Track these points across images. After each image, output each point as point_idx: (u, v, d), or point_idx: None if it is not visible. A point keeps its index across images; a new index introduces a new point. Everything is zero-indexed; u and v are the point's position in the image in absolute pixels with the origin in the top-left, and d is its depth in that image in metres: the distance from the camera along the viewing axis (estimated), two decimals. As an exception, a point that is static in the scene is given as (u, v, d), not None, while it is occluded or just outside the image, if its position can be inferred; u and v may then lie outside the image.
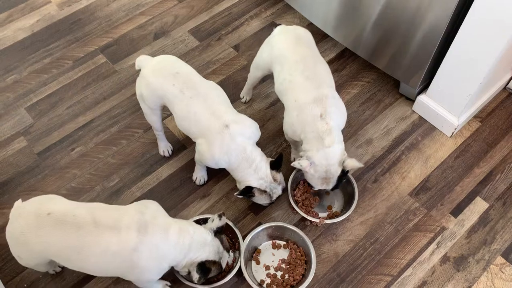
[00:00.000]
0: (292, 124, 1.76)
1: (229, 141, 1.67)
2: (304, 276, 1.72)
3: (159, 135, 2.02)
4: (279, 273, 1.76)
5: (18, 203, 1.51)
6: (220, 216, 1.62)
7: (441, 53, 1.96)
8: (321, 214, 1.89)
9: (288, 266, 1.77)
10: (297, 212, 1.86)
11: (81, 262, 1.47)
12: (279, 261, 1.79)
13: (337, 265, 1.81)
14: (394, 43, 2.06)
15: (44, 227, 1.44)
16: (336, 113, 1.73)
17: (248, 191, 1.73)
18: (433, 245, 1.86)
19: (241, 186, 1.76)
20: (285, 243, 1.83)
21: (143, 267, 1.48)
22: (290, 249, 1.80)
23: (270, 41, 1.91)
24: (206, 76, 2.33)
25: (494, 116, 2.23)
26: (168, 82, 1.72)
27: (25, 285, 1.74)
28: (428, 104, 2.14)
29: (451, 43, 1.87)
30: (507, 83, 2.27)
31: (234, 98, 2.28)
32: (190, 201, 1.97)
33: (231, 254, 1.72)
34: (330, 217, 1.88)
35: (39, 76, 2.35)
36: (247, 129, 1.73)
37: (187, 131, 1.78)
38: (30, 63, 2.40)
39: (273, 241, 1.84)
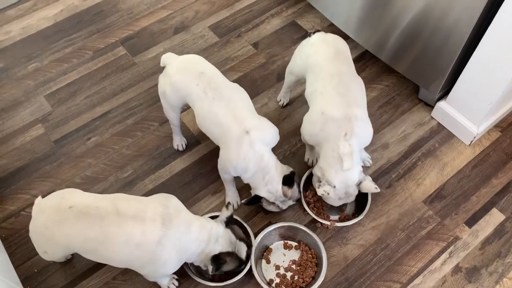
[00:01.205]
0: (314, 135, 1.73)
1: (248, 147, 1.64)
2: (314, 279, 1.71)
3: (175, 130, 2.02)
4: (289, 274, 1.75)
5: (38, 200, 1.53)
6: (227, 206, 1.62)
7: (463, 60, 1.92)
8: (332, 217, 1.88)
9: (298, 268, 1.75)
10: (308, 213, 1.84)
11: (105, 253, 1.48)
12: (289, 262, 1.78)
13: (345, 269, 1.79)
14: (416, 47, 2.03)
15: (67, 220, 1.45)
16: (361, 136, 1.70)
17: (257, 200, 1.73)
18: (445, 255, 1.83)
19: (253, 193, 1.75)
20: (297, 244, 1.81)
21: (164, 260, 1.49)
22: (302, 250, 1.78)
23: (307, 48, 1.86)
24: (224, 73, 2.33)
25: (515, 127, 2.18)
26: (192, 82, 1.71)
27: (35, 270, 1.77)
28: (448, 111, 2.10)
29: (474, 49, 1.83)
30: (531, 93, 2.22)
31: (251, 96, 2.23)
32: (202, 196, 1.97)
33: (252, 242, 1.73)
34: (341, 220, 1.86)
35: (60, 65, 2.38)
36: (267, 135, 1.70)
37: (206, 131, 1.77)
38: (52, 52, 2.43)
39: (285, 241, 1.82)
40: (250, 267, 1.70)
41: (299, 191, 1.84)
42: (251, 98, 2.25)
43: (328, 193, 1.69)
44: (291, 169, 1.76)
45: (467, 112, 2.04)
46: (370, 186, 1.70)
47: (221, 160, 1.74)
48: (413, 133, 2.15)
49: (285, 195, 1.72)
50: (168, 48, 2.44)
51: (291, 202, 1.78)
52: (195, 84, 1.71)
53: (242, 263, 1.65)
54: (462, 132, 2.09)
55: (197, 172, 2.03)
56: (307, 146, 2.01)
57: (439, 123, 2.18)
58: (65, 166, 2.04)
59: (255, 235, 1.77)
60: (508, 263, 1.81)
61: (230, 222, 1.63)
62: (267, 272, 1.76)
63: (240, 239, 1.64)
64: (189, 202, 1.95)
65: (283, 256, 1.80)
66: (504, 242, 1.86)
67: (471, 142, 2.09)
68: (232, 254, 1.59)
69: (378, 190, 1.71)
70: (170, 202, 1.55)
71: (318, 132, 1.71)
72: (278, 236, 1.82)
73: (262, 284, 1.66)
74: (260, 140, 1.67)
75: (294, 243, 1.82)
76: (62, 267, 1.77)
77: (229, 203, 1.66)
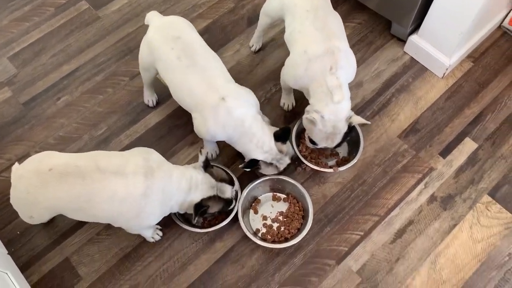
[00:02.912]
0: (300, 78, 1.70)
1: (225, 114, 1.61)
2: (299, 230, 1.74)
3: (146, 85, 1.97)
4: (275, 225, 1.78)
5: (15, 167, 1.51)
6: (200, 152, 1.62)
7: (433, -10, 1.89)
8: (330, 163, 1.88)
9: (285, 219, 1.78)
10: (306, 167, 1.85)
11: (91, 211, 1.48)
12: (277, 213, 1.80)
13: (324, 206, 1.83)
14: (385, -20, 1.98)
15: (49, 182, 1.44)
16: (347, 67, 1.68)
17: (254, 164, 1.69)
18: (420, 186, 1.88)
19: (246, 159, 1.72)
20: (285, 196, 1.83)
21: (149, 212, 1.51)
22: (290, 203, 1.81)
23: None
24: (193, 20, 2.26)
25: (487, 56, 2.18)
26: (167, 45, 1.65)
27: (18, 232, 1.77)
28: (420, 44, 2.09)
29: (443, -22, 1.80)
30: (502, 21, 2.21)
31: (222, 43, 2.23)
32: (179, 148, 1.96)
33: (236, 185, 1.75)
34: (340, 163, 1.87)
35: (20, 24, 2.28)
36: (245, 101, 1.66)
37: (180, 102, 1.72)
38: (10, 11, 2.32)
39: (274, 193, 1.84)
40: (237, 213, 1.72)
41: (292, 147, 1.81)
42: (222, 45, 2.22)
43: (314, 121, 1.64)
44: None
45: (439, 44, 2.03)
46: (360, 119, 1.69)
47: (198, 129, 1.70)
48: (387, 70, 2.15)
49: (280, 151, 1.69)
50: (132, -2, 2.35)
51: (288, 160, 1.74)
52: (170, 48, 1.64)
53: (229, 203, 1.66)
54: (435, 64, 2.09)
55: (172, 124, 2.02)
56: (283, 90, 1.99)
57: (412, 57, 2.17)
58: (37, 128, 2.00)
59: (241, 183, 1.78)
60: (481, 188, 1.87)
61: (207, 167, 1.63)
62: (254, 222, 1.79)
63: (222, 180, 1.65)
64: (167, 155, 1.94)
65: (271, 208, 1.82)
66: (477, 170, 1.91)
67: (444, 74, 2.10)
68: (214, 198, 1.61)
69: (369, 122, 1.71)
70: (151, 155, 1.55)
71: (303, 73, 1.68)
72: (268, 188, 1.83)
73: (248, 234, 1.69)
74: (239, 105, 1.62)
75: (282, 196, 1.84)
76: (45, 228, 1.78)
77: (202, 147, 1.64)
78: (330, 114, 1.64)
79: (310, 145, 1.80)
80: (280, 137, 1.68)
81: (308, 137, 1.77)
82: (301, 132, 1.89)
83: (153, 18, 1.76)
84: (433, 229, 1.79)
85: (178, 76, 1.65)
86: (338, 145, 1.73)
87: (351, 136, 1.79)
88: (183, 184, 1.55)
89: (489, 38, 2.22)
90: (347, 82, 1.69)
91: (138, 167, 1.48)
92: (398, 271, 1.72)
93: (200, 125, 1.67)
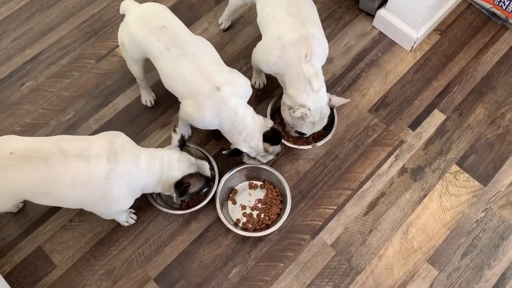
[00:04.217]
0: (273, 64, 1.68)
1: (220, 104, 1.58)
2: (279, 215, 1.75)
3: (141, 84, 1.91)
4: (255, 213, 1.78)
5: None
6: (174, 130, 1.60)
7: (399, -37, 1.89)
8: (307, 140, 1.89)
9: (264, 206, 1.78)
10: (284, 146, 1.84)
11: (55, 194, 1.46)
12: (255, 201, 1.80)
13: (298, 183, 1.85)
14: (352, -46, 1.97)
15: (11, 166, 1.40)
16: (321, 54, 1.67)
17: (238, 153, 1.69)
18: (391, 158, 1.91)
19: (232, 146, 1.71)
20: (261, 183, 1.83)
21: (117, 195, 1.48)
22: (267, 189, 1.81)
23: None
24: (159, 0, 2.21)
25: (453, 28, 2.21)
26: (153, 37, 1.59)
27: (-13, 223, 1.74)
28: (388, 18, 2.10)
29: (408, -50, 1.80)
30: (467, -7, 2.24)
31: (190, 22, 2.19)
32: (150, 131, 1.94)
33: (214, 164, 1.76)
34: (316, 139, 1.87)
35: (-23, 7, 2.19)
36: (240, 90, 1.63)
37: (173, 91, 1.67)
38: (-35, -6, 2.22)
39: (250, 181, 1.83)
40: (214, 194, 1.72)
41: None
42: (190, 24, 2.18)
43: (305, 116, 1.64)
44: (270, 122, 1.71)
45: (406, 17, 2.05)
46: (340, 99, 1.71)
47: (192, 117, 1.65)
48: (356, 45, 2.15)
49: (266, 150, 1.70)
50: (95, -22, 2.27)
51: (271, 157, 1.76)
52: (157, 40, 1.58)
53: (208, 181, 1.65)
54: (403, 38, 2.11)
55: (142, 107, 1.98)
56: (254, 70, 1.97)
57: (380, 32, 2.18)
58: (1, 116, 1.94)
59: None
60: (450, 159, 1.92)
61: (183, 145, 1.61)
62: (234, 212, 1.78)
63: (200, 158, 1.64)
64: (138, 138, 1.92)
65: (249, 196, 1.82)
66: (446, 141, 1.96)
67: (412, 47, 2.12)
68: (196, 175, 1.59)
69: (348, 100, 1.75)
70: (117, 138, 1.52)
71: (276, 59, 1.66)
72: (244, 177, 1.82)
73: (228, 225, 1.69)
74: (233, 94, 1.60)
75: (259, 183, 1.83)
76: (15, 217, 1.75)
77: (175, 126, 1.62)
78: (314, 103, 1.66)
79: (296, 135, 1.80)
80: (269, 139, 1.68)
81: (295, 130, 1.76)
82: (276, 112, 1.89)
83: (130, 7, 1.68)
84: (404, 200, 1.83)
85: (169, 67, 1.60)
86: (326, 126, 1.75)
87: None
88: (153, 165, 1.52)
89: (455, 10, 2.24)
90: (320, 67, 1.70)
91: (102, 150, 1.45)
92: (371, 242, 1.76)
93: (195, 113, 1.63)
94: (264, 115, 1.80)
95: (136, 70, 1.80)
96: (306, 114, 1.64)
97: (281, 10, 1.65)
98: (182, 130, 1.86)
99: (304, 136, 1.79)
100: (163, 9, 1.68)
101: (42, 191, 1.45)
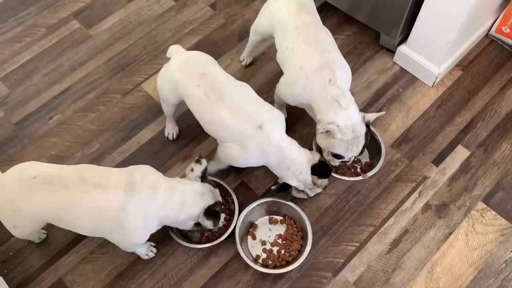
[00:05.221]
0: (299, 94, 1.69)
1: (265, 142, 1.59)
2: (300, 252, 1.72)
3: (168, 118, 1.95)
4: (275, 248, 1.75)
5: None
6: (198, 161, 1.59)
7: (419, 1, 1.91)
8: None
9: (284, 242, 1.76)
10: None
11: (73, 221, 1.48)
12: (275, 237, 1.78)
13: (319, 218, 1.82)
14: (372, -8, 2.01)
15: (32, 190, 1.44)
16: (345, 76, 1.69)
17: (287, 188, 1.71)
18: (415, 195, 1.88)
19: (280, 180, 1.74)
20: (282, 218, 1.81)
21: (131, 228, 1.49)
22: (287, 224, 1.79)
23: (272, 5, 1.83)
24: (183, 37, 2.29)
25: (475, 64, 2.20)
26: (193, 82, 1.63)
27: (11, 254, 1.75)
28: (409, 54, 2.11)
29: (428, -11, 1.83)
30: (489, 30, 2.24)
31: (214, 58, 2.24)
32: (172, 164, 1.96)
33: (233, 196, 1.78)
34: (365, 170, 1.86)
35: (12, 45, 2.29)
36: (280, 125, 1.64)
37: (213, 135, 1.70)
38: (1, 32, 2.33)
39: (270, 216, 1.82)
40: (234, 229, 1.71)
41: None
42: (215, 59, 2.23)
43: (332, 131, 1.61)
44: (317, 155, 1.71)
45: (427, 53, 2.05)
46: (374, 114, 1.70)
47: (235, 159, 1.66)
48: (377, 80, 2.16)
49: (314, 183, 1.70)
50: (123, 17, 2.37)
51: (319, 190, 1.77)
52: (196, 85, 1.62)
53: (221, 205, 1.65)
54: (425, 74, 2.11)
55: (165, 140, 2.02)
56: (276, 104, 1.96)
57: (401, 67, 2.19)
58: (30, 148, 2.00)
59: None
60: (475, 196, 1.87)
61: (204, 177, 1.60)
62: (253, 248, 1.76)
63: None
64: (160, 170, 1.89)
65: (269, 231, 1.79)
66: (470, 177, 1.92)
67: (434, 83, 2.12)
68: (218, 203, 1.58)
69: (383, 112, 1.75)
70: (138, 169, 1.53)
71: (301, 90, 1.67)
72: (264, 211, 1.81)
73: (248, 261, 1.66)
74: (276, 132, 1.61)
75: (279, 218, 1.81)
76: (38, 248, 1.76)
77: (200, 156, 1.61)
78: (344, 121, 1.62)
79: (337, 162, 1.77)
80: (318, 172, 1.68)
81: (331, 153, 1.72)
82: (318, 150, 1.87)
83: (176, 53, 1.73)
84: (428, 237, 1.79)
85: (208, 112, 1.63)
86: (362, 149, 1.70)
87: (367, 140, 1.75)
88: (173, 199, 1.51)
89: (477, 46, 2.24)
90: (347, 89, 1.70)
91: (120, 181, 1.46)
92: (395, 282, 1.70)
93: (238, 155, 1.63)
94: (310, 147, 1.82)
95: (167, 110, 1.87)
96: (331, 129, 1.61)
97: (299, 42, 1.68)
98: (212, 169, 1.84)
99: (343, 160, 1.74)
100: (206, 57, 1.73)
101: (59, 216, 1.48)
